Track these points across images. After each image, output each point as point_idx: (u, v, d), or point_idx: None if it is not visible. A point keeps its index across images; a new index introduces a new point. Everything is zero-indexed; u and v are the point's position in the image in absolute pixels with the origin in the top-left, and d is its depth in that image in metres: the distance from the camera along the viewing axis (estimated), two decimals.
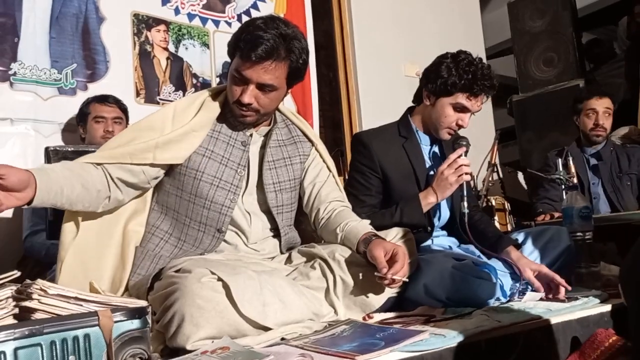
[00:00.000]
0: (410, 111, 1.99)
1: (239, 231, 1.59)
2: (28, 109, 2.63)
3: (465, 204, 1.77)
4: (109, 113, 2.57)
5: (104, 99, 2.60)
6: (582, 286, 1.70)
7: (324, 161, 1.75)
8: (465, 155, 1.80)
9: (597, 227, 1.81)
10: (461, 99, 1.80)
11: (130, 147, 1.48)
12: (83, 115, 2.58)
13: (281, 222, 1.64)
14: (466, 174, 1.76)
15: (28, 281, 0.99)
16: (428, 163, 1.93)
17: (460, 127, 1.85)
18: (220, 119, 1.60)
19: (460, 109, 1.82)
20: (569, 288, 1.62)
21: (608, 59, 4.77)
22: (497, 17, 5.45)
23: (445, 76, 1.80)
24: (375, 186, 1.86)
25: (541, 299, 1.62)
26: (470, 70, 1.78)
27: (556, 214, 2.68)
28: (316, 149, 1.74)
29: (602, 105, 3.04)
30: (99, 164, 1.45)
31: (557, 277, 1.63)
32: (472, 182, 1.68)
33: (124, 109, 2.65)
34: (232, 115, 1.57)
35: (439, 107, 1.84)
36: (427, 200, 1.79)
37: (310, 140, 1.73)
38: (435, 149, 1.98)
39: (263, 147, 1.64)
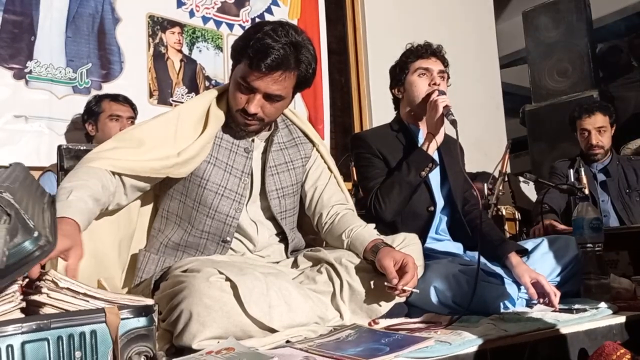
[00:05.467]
0: (397, 112, 2.10)
1: (247, 239, 1.58)
2: (43, 107, 2.67)
3: (451, 118, 1.80)
4: (124, 112, 2.60)
5: (116, 98, 2.62)
6: (591, 298, 1.69)
7: (325, 162, 1.74)
8: (444, 94, 1.89)
9: (608, 238, 1.79)
10: (418, 64, 1.95)
11: (150, 163, 1.43)
12: (93, 113, 2.59)
13: (286, 226, 1.64)
14: (442, 102, 1.84)
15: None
16: None
17: (436, 85, 1.93)
18: (223, 125, 1.56)
19: (423, 72, 1.94)
20: (557, 308, 1.60)
21: (624, 72, 4.73)
22: (512, 27, 5.44)
23: (399, 60, 2.01)
24: (380, 168, 1.94)
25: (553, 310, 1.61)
26: (414, 45, 2.00)
27: (560, 226, 2.64)
28: (317, 150, 1.73)
29: (593, 124, 2.97)
30: (114, 173, 1.40)
31: (552, 294, 1.62)
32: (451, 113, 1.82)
33: (135, 109, 2.68)
34: (234, 122, 1.55)
35: (408, 86, 1.98)
36: (426, 144, 1.87)
37: (311, 141, 1.72)
38: None
39: (265, 151, 1.62)
